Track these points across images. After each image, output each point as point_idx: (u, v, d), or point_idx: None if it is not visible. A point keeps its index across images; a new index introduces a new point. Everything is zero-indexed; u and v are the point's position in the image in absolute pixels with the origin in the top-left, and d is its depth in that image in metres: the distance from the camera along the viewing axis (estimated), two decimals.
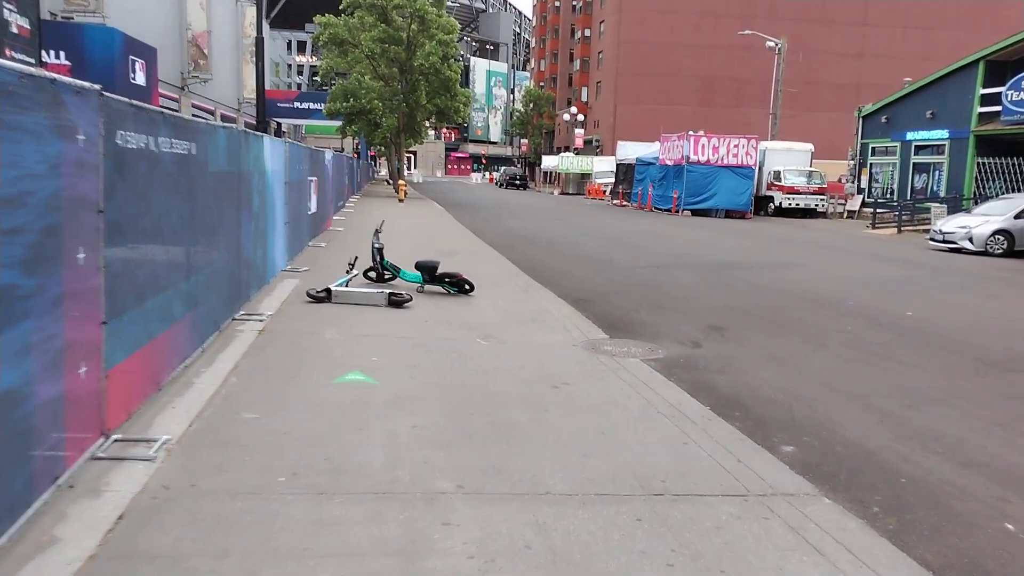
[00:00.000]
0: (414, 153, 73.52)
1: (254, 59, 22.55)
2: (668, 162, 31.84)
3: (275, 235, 9.28)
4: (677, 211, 30.54)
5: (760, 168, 31.32)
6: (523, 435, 4.50)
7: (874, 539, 3.51)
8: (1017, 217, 18.44)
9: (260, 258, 8.33)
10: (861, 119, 32.36)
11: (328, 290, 8.01)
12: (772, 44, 37.24)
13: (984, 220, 18.75)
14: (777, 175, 31.13)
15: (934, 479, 4.35)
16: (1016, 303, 11.50)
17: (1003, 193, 24.70)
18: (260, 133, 9.58)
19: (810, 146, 32.96)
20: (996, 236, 18.37)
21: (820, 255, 17.25)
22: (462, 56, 72.43)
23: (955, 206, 24.31)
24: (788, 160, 31.75)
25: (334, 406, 4.78)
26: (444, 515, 3.40)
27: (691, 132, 31.26)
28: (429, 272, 9.03)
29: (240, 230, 7.20)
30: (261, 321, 6.92)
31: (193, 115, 25.52)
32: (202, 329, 5.74)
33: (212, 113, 28.14)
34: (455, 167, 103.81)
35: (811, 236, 22.90)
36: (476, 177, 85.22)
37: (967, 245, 18.59)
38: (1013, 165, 25.01)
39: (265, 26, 33.13)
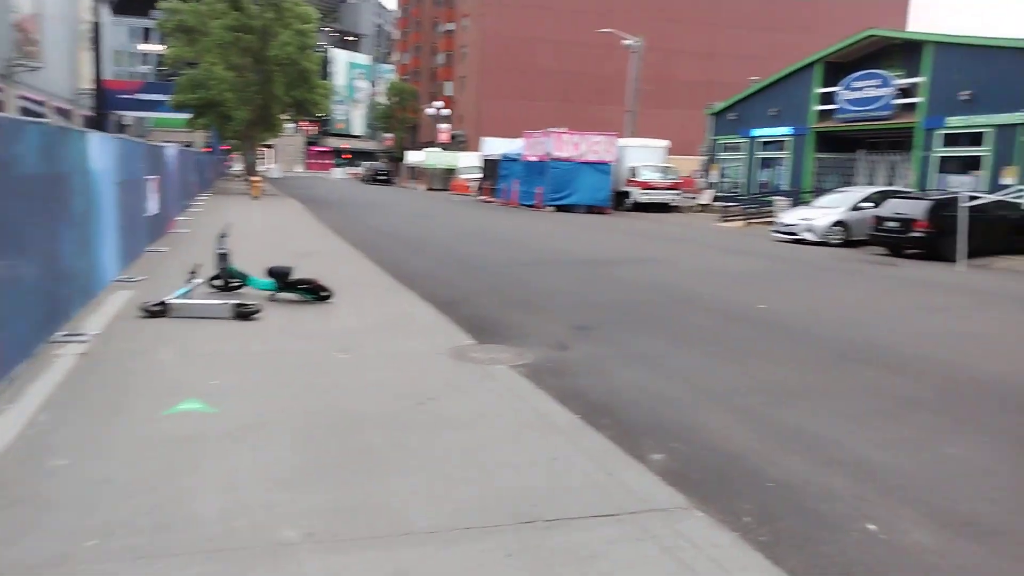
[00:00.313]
0: (271, 147, 70.50)
1: (92, 46, 20.62)
2: (532, 158, 32.09)
3: (104, 242, 8.34)
4: (542, 207, 30.86)
5: (618, 164, 32.18)
6: (384, 464, 4.12)
7: (748, 554, 3.42)
8: (853, 210, 19.85)
9: (85, 269, 7.43)
10: (712, 116, 33.95)
11: (164, 303, 7.24)
12: (629, 42, 38.37)
13: (823, 212, 20.06)
14: (634, 171, 32.09)
15: (798, 481, 4.37)
16: (855, 293, 12.24)
17: (838, 187, 26.66)
18: (85, 129, 8.59)
19: (666, 142, 34.22)
20: (834, 227, 19.69)
21: (677, 249, 17.82)
22: (321, 47, 70.09)
23: (797, 199, 25.96)
24: (645, 156, 32.81)
25: (164, 443, 4.20)
26: (290, 572, 2.98)
27: (552, 129, 31.63)
28: (282, 278, 8.41)
29: (57, 240, 6.35)
30: (84, 343, 6.12)
31: (21, 108, 23.08)
32: (7, 357, 4.95)
33: (42, 105, 25.58)
34: (316, 162, 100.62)
35: (667, 230, 23.71)
36: (338, 172, 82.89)
37: (808, 236, 19.82)
38: (847, 160, 27.00)
39: (106, 11, 30.49)
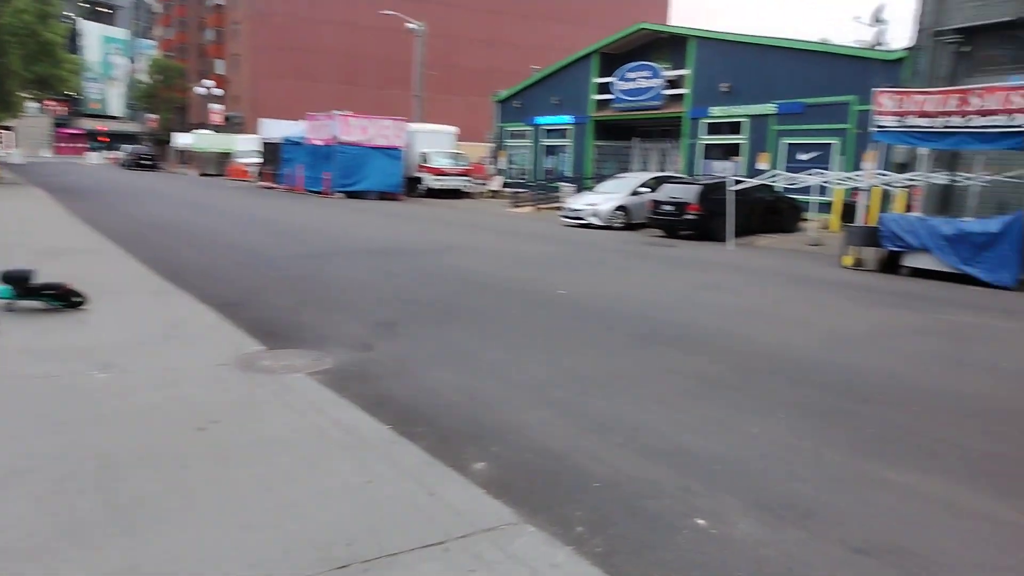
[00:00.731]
0: (10, 130, 61.50)
1: None
2: (318, 142, 30.64)
3: None
4: (330, 193, 29.59)
5: (409, 150, 31.69)
6: (156, 514, 3.39)
7: (586, 569, 3.18)
8: (632, 195, 20.96)
9: None
10: (498, 104, 34.44)
11: None
12: (413, 26, 37.84)
13: (606, 198, 20.99)
14: (425, 157, 31.78)
15: (624, 477, 4.23)
16: (643, 274, 12.81)
17: (616, 173, 28.19)
18: None
19: (455, 128, 34.24)
20: (617, 212, 20.68)
21: (475, 236, 17.75)
22: (67, 17, 62.10)
23: (580, 185, 27.07)
24: (434, 142, 32.61)
25: None
26: None
27: (338, 112, 30.39)
28: (20, 283, 7.04)
29: None
30: None
31: None
32: None
33: None
34: (68, 146, 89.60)
35: (462, 217, 23.68)
36: (94, 156, 74.30)
37: (594, 221, 20.66)
38: (624, 148, 28.57)
39: None
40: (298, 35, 58.47)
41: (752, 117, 23.43)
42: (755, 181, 16.62)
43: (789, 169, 22.22)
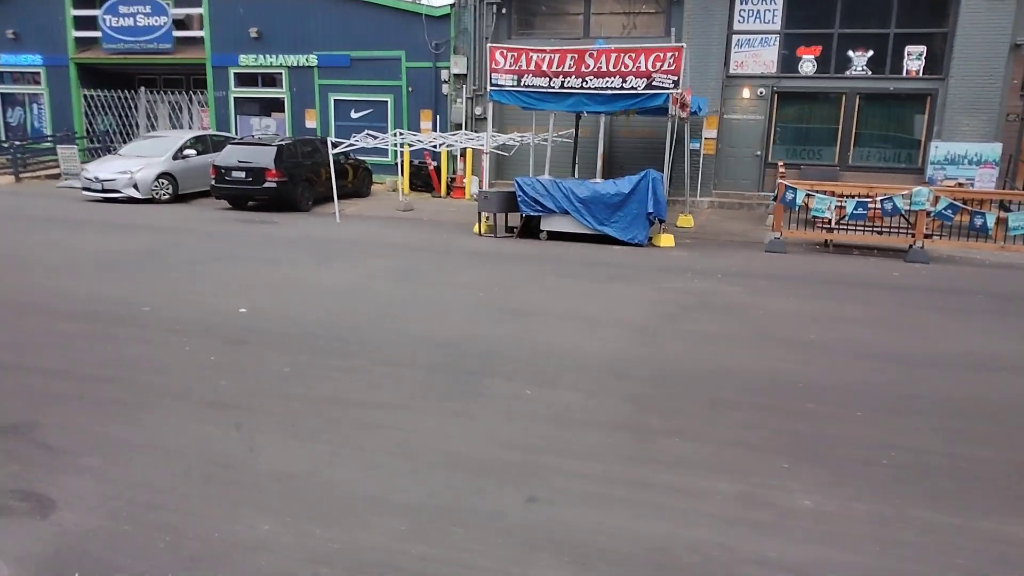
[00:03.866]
0: None
1: None
2: None
3: None
4: None
5: None
6: None
7: None
8: (175, 158, 16.95)
9: None
10: None
11: None
12: None
13: (144, 163, 16.53)
14: None
15: None
16: (270, 261, 10.09)
17: (112, 130, 22.88)
18: None
19: None
20: (160, 180, 16.51)
21: None
22: None
23: (71, 144, 21.11)
24: None
25: None
26: None
27: None
28: None
29: None
30: None
31: None
32: None
33: None
34: None
35: None
36: None
37: (133, 193, 16.15)
38: (125, 99, 23.19)
39: None
40: None
41: (291, 68, 21.02)
42: (356, 143, 14.70)
43: (340, 128, 20.78)
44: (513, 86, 12.84)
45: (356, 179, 18.15)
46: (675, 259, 11.12)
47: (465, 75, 19.36)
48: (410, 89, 20.10)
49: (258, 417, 4.67)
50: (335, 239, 12.16)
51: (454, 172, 19.48)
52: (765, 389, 5.40)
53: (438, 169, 19.36)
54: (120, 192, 16.09)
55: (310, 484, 3.82)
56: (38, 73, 23.70)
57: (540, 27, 19.31)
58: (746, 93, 17.61)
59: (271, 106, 21.72)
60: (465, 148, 17.90)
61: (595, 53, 12.27)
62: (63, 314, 6.96)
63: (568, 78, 12.42)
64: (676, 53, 11.96)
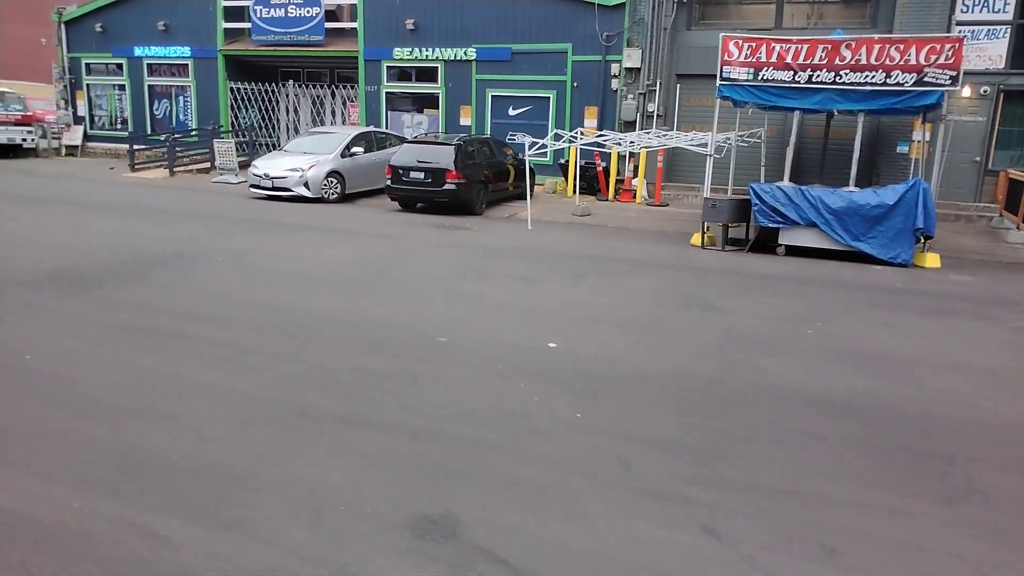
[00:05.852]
0: None
1: None
2: None
3: None
4: None
5: None
6: None
7: None
8: (343, 156, 16.16)
9: None
10: (63, 26, 24.94)
11: None
12: None
13: (312, 160, 15.78)
14: None
15: None
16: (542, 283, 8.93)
17: (255, 125, 22.43)
18: None
19: None
20: (329, 179, 15.74)
21: (145, 223, 11.38)
22: None
23: (213, 139, 20.69)
24: None
25: None
26: None
27: None
28: None
29: None
30: None
31: None
32: None
33: None
34: None
35: (71, 188, 16.01)
36: None
37: (304, 192, 15.43)
38: (266, 91, 22.74)
39: None
40: None
41: (448, 63, 20.06)
42: (552, 143, 13.55)
43: (496, 126, 19.72)
44: (749, 80, 11.38)
45: (519, 180, 17.00)
46: (968, 286, 9.46)
47: (638, 69, 17.97)
48: (575, 84, 18.84)
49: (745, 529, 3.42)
50: (552, 251, 10.96)
51: (620, 174, 18.13)
52: None
53: (607, 170, 18.04)
54: (290, 190, 15.38)
55: None
56: (186, 65, 23.50)
57: (725, 17, 17.75)
58: (966, 91, 15.63)
59: (423, 102, 20.82)
60: (641, 149, 16.52)
61: (852, 44, 10.71)
62: (356, 344, 5.93)
63: (819, 71, 10.90)
64: (956, 45, 10.32)
